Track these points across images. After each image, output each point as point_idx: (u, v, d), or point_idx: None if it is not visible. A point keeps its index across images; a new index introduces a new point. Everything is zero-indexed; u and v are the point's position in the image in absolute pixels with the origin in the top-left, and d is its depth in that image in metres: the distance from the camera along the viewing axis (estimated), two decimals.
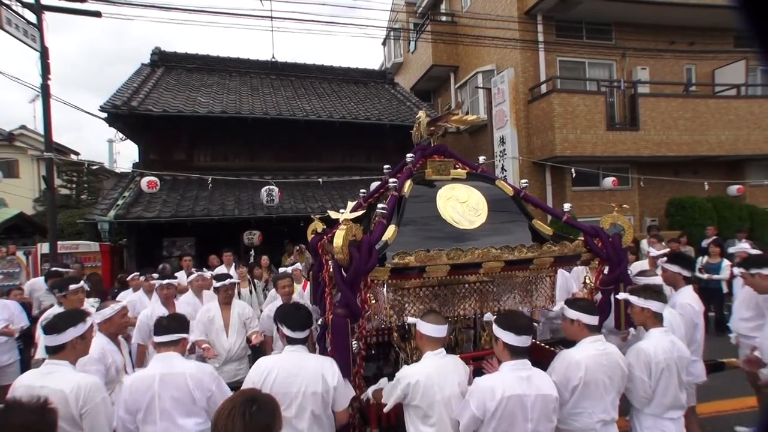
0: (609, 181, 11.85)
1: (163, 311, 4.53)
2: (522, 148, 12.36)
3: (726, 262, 7.51)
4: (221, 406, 1.67)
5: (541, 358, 2.99)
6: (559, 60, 12.87)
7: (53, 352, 2.57)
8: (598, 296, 3.42)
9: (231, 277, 5.03)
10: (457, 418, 2.50)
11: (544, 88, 12.27)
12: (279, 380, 2.53)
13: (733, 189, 12.82)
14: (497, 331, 2.53)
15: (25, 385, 2.42)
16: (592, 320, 2.77)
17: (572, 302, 2.92)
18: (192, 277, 5.76)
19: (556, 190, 12.32)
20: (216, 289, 4.81)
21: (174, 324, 2.88)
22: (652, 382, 2.81)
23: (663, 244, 7.20)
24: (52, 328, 2.57)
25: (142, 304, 5.53)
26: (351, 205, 2.94)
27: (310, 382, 2.57)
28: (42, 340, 3.07)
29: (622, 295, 3.19)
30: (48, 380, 2.43)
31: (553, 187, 12.31)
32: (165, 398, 2.64)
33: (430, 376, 2.49)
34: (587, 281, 3.61)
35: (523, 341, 2.47)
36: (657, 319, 2.97)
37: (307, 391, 2.55)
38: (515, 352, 2.48)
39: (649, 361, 2.80)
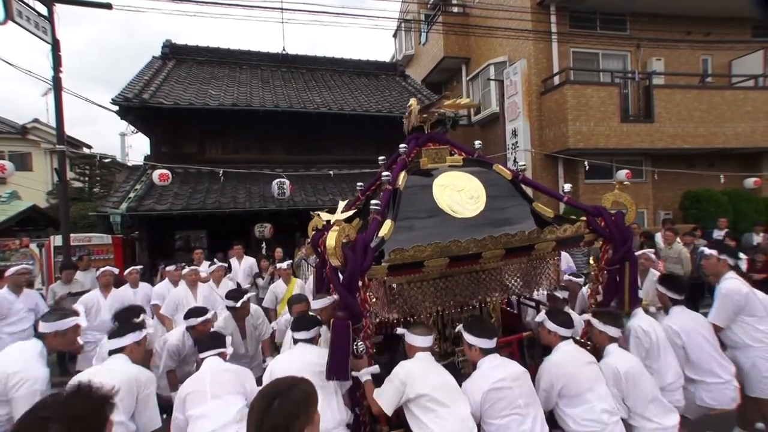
0: (622, 174, 11.65)
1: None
2: (534, 140, 12.22)
3: (742, 256, 7.36)
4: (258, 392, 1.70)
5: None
6: (573, 51, 12.67)
7: (114, 354, 2.91)
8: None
9: (246, 293, 4.59)
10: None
11: (557, 80, 12.10)
12: (283, 371, 2.62)
13: (750, 182, 12.55)
14: (472, 339, 2.80)
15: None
16: (568, 333, 3.01)
17: (553, 315, 3.07)
18: (213, 268, 5.96)
19: (569, 182, 12.08)
20: (233, 309, 4.38)
21: (213, 342, 3.19)
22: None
23: (678, 238, 7.12)
24: (114, 333, 2.98)
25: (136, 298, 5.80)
26: (342, 204, 2.90)
27: (309, 365, 2.80)
28: (104, 343, 3.49)
29: (585, 317, 3.32)
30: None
31: (565, 179, 12.17)
32: (215, 383, 2.86)
33: (422, 367, 2.69)
34: (591, 262, 3.60)
35: (493, 343, 2.80)
36: (613, 341, 3.09)
37: (305, 370, 2.57)
38: (488, 352, 2.78)
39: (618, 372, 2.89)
